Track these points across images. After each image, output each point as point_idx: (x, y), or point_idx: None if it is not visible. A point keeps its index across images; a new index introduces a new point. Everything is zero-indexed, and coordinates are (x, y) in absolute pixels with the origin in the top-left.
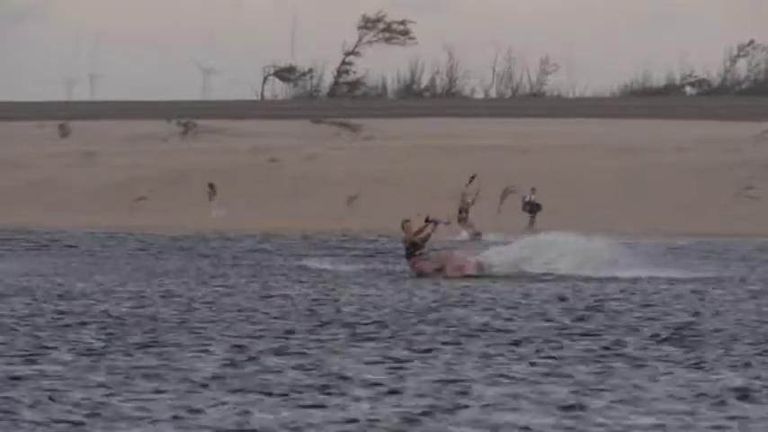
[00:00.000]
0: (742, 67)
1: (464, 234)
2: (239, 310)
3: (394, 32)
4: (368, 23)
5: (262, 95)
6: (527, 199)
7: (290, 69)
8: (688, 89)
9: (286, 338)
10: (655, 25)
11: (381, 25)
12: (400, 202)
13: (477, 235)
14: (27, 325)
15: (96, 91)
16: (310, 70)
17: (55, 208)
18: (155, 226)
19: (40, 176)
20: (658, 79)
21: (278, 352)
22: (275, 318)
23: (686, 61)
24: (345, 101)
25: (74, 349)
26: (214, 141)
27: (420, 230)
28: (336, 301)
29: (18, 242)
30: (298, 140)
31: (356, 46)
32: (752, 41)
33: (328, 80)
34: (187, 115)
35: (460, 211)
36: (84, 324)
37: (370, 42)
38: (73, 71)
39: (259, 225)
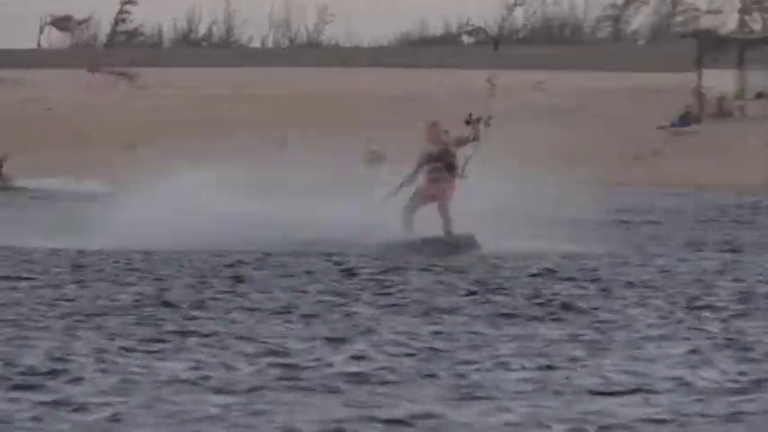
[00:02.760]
0: (519, 16)
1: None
2: None
3: None
4: None
5: (39, 44)
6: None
7: (67, 18)
8: (465, 38)
9: None
10: None
11: None
12: (177, 150)
13: None
14: None
15: None
16: (87, 19)
17: None
18: None
19: None
20: (435, 28)
21: None
22: None
23: (463, 10)
24: (122, 50)
25: None
26: None
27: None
28: None
29: None
30: (74, 90)
31: None
32: None
33: (106, 29)
34: None
35: None
36: None
37: None
38: None
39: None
